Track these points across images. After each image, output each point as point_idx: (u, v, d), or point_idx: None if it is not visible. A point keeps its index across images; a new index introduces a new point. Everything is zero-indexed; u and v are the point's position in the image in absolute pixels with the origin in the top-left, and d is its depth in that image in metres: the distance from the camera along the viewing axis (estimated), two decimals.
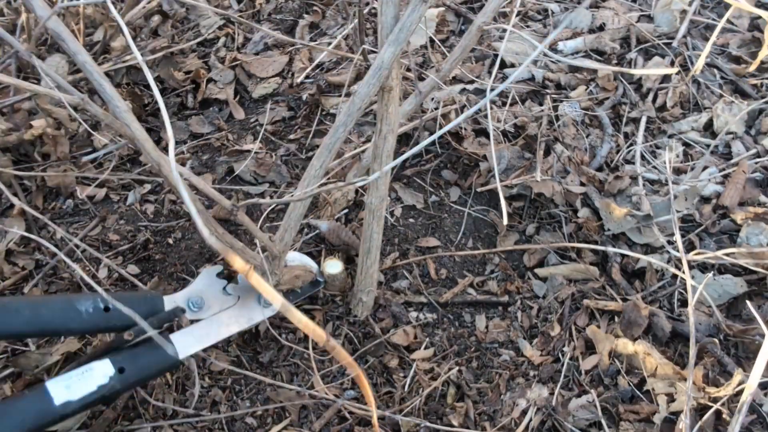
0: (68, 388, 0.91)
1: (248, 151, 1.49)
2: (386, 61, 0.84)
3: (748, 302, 1.04)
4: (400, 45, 0.82)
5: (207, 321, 1.06)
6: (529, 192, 1.37)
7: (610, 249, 1.28)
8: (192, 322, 1.06)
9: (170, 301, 1.05)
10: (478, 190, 1.41)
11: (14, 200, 1.15)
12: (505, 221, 1.07)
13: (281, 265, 1.02)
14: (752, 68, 1.63)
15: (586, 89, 1.61)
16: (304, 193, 0.94)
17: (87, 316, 0.97)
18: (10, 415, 0.89)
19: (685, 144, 1.53)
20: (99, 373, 0.93)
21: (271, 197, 1.41)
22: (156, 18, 1.80)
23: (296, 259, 1.20)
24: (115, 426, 1.08)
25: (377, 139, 0.96)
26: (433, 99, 1.50)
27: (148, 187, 1.45)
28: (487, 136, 1.48)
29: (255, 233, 0.93)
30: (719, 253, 1.19)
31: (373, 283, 1.16)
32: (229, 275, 1.11)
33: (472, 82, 1.59)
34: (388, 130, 0.95)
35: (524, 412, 1.11)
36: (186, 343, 1.03)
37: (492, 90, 1.58)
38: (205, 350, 1.17)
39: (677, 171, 1.46)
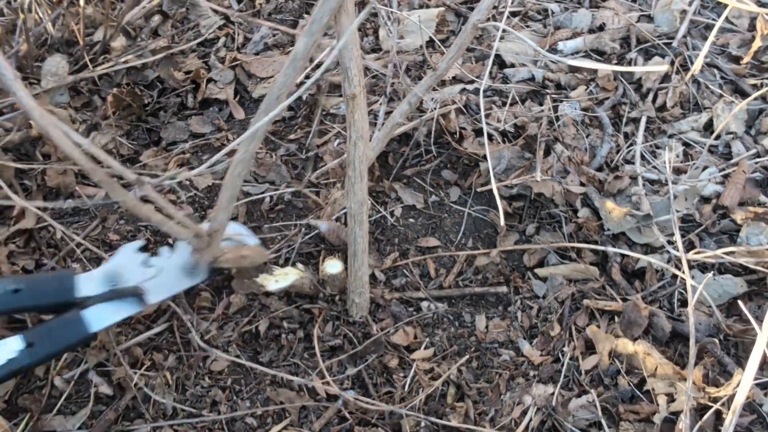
0: None
1: None
2: (300, 52, 0.87)
3: (740, 302, 1.04)
4: (313, 37, 0.86)
5: (125, 299, 1.06)
6: (529, 192, 1.37)
7: (610, 249, 1.28)
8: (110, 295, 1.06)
9: (85, 279, 1.05)
10: (478, 190, 1.41)
11: (16, 199, 1.15)
12: (502, 222, 1.07)
13: (215, 243, 1.05)
14: (746, 60, 1.63)
15: (586, 89, 1.61)
16: (231, 178, 0.99)
17: None
18: None
19: (685, 144, 1.53)
20: (9, 348, 0.96)
21: (271, 198, 1.41)
22: (156, 18, 1.80)
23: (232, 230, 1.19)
24: (115, 426, 1.08)
25: (348, 146, 0.98)
26: (432, 99, 1.50)
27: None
28: (488, 136, 1.48)
29: (169, 210, 0.95)
30: (719, 251, 1.19)
31: (363, 285, 1.17)
32: (151, 249, 1.09)
33: (472, 82, 1.59)
34: (357, 137, 0.97)
35: (524, 412, 1.11)
36: (100, 317, 1.03)
37: (487, 89, 1.58)
38: (205, 348, 1.17)
39: (677, 171, 1.46)
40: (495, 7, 1.84)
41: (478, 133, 1.48)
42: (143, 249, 1.11)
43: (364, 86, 0.92)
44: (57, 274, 1.12)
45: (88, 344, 1.11)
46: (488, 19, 1.80)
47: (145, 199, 0.97)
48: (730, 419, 0.82)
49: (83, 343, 1.05)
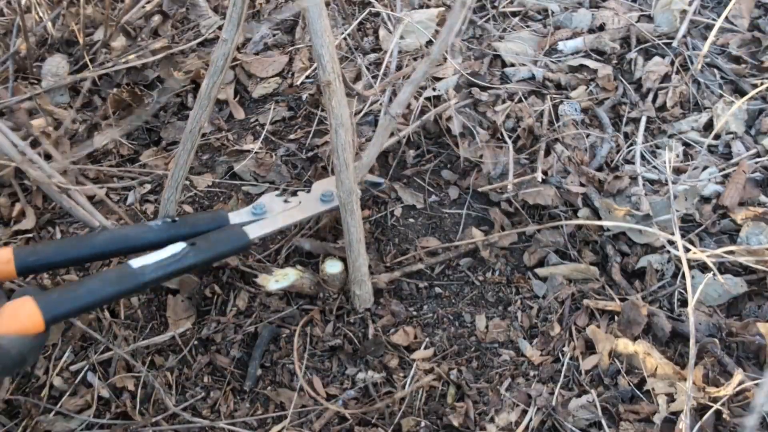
0: (144, 259, 1.02)
1: (248, 151, 1.49)
2: (233, 28, 0.98)
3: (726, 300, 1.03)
4: (231, 38, 0.98)
5: (273, 216, 1.18)
6: (529, 197, 1.36)
7: (614, 223, 1.28)
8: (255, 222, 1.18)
9: (235, 216, 1.17)
10: (478, 189, 1.41)
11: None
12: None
13: None
14: None
15: (586, 89, 1.61)
16: (168, 187, 1.12)
17: (157, 228, 1.10)
18: (94, 280, 0.99)
19: (685, 144, 1.53)
20: (172, 248, 1.04)
21: None
22: (156, 18, 1.80)
23: None
24: (116, 427, 1.08)
25: (331, 134, 0.98)
26: (434, 89, 1.50)
27: (148, 187, 1.45)
28: (488, 137, 1.48)
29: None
30: (719, 251, 1.19)
31: (363, 275, 1.17)
32: (286, 193, 1.25)
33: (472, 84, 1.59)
34: (338, 124, 0.96)
35: (524, 412, 1.11)
36: (256, 229, 1.14)
37: (486, 89, 1.57)
38: (206, 348, 1.18)
39: (677, 171, 1.46)
40: (495, 7, 1.84)
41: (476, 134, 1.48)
42: (279, 195, 1.25)
43: (339, 73, 0.92)
44: (209, 211, 1.30)
45: (245, 251, 1.25)
46: (488, 20, 1.80)
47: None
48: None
49: (242, 249, 1.14)
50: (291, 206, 1.21)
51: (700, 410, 1.07)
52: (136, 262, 1.01)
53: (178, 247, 1.04)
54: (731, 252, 1.22)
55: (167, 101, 1.63)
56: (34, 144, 1.47)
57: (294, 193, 1.25)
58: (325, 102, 0.94)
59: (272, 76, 1.68)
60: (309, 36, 0.89)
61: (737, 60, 1.71)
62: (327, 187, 1.26)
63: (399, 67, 1.63)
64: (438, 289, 1.29)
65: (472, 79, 1.57)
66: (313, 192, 1.26)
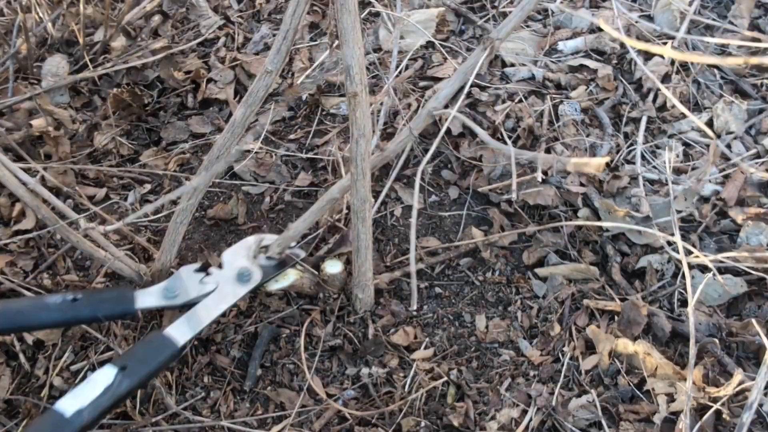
0: (75, 398, 0.91)
1: (248, 151, 1.49)
2: (239, 120, 1.02)
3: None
4: (250, 108, 1.00)
5: (193, 310, 1.07)
6: (529, 197, 1.36)
7: (613, 236, 1.28)
8: (167, 308, 1.11)
9: (142, 295, 1.07)
10: (479, 190, 1.41)
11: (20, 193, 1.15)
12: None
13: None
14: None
15: (586, 89, 1.61)
16: (173, 225, 1.11)
17: (55, 307, 1.01)
18: None
19: (685, 144, 1.53)
20: (102, 378, 0.93)
21: (271, 198, 1.41)
22: (156, 18, 1.80)
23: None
24: (115, 427, 1.08)
25: (350, 144, 0.99)
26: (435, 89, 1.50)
27: (148, 187, 1.45)
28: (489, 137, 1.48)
29: (110, 250, 1.05)
30: (720, 256, 1.19)
31: (367, 280, 1.17)
32: (205, 268, 1.13)
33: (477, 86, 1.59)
34: (360, 135, 0.97)
35: (524, 412, 1.11)
36: (180, 332, 1.04)
37: (486, 88, 1.57)
38: (206, 348, 1.18)
39: (677, 171, 1.46)
40: (495, 7, 1.84)
41: (475, 135, 1.48)
42: (200, 270, 1.13)
43: (366, 85, 0.92)
44: (115, 288, 1.17)
45: (176, 359, 1.11)
46: (488, 20, 1.80)
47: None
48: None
49: (174, 358, 1.04)
50: (207, 289, 1.10)
51: (700, 410, 1.07)
52: (69, 407, 0.89)
53: (109, 376, 0.94)
54: (734, 257, 1.22)
55: (167, 101, 1.63)
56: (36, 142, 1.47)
57: (205, 269, 1.13)
58: (350, 112, 0.95)
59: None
60: (341, 47, 0.90)
61: None
62: (240, 262, 1.15)
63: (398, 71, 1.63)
64: (438, 289, 1.29)
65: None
66: (227, 268, 1.14)
